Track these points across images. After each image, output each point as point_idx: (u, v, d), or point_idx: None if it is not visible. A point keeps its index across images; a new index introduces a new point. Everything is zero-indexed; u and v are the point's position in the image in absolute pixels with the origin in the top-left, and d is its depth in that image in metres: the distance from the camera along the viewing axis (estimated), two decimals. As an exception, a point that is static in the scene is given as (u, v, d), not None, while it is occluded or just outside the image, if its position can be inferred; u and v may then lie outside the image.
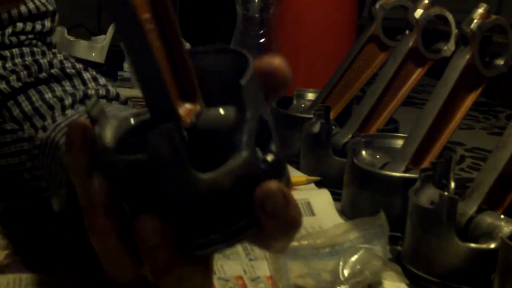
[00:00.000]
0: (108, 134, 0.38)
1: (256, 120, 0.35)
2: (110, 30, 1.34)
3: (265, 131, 0.36)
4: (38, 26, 0.67)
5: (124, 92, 0.64)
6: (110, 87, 0.61)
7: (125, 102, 0.60)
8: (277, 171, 0.36)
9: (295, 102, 0.93)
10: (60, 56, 0.65)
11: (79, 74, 0.62)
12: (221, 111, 0.37)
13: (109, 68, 1.24)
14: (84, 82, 0.61)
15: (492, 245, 0.54)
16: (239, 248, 0.60)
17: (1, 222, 0.61)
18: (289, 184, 0.38)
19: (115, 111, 0.53)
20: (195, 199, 0.35)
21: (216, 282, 0.54)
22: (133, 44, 0.35)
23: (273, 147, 0.36)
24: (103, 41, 1.32)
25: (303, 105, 0.92)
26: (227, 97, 0.37)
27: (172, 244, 0.36)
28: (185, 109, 0.37)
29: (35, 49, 0.65)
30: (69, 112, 0.56)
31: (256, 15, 1.03)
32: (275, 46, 1.04)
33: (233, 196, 0.35)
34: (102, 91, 0.59)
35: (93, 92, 0.58)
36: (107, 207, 0.37)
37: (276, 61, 0.39)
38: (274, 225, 0.36)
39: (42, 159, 0.54)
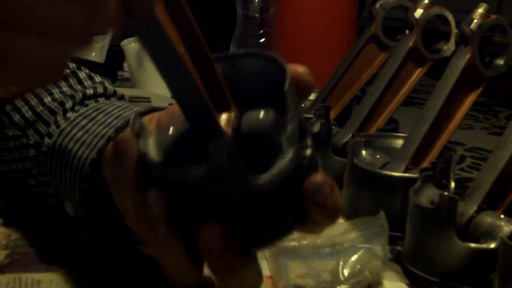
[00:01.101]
0: (152, 148, 0.40)
1: (297, 120, 0.39)
2: (110, 30, 1.34)
3: (301, 128, 0.39)
4: None
5: (124, 92, 0.64)
6: (107, 84, 0.61)
7: (122, 97, 0.61)
8: (316, 163, 0.40)
9: (295, 102, 0.92)
10: None
11: (74, 74, 0.62)
12: (261, 114, 0.40)
13: (109, 68, 1.24)
14: (80, 81, 0.61)
15: (492, 245, 0.54)
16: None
17: (1, 222, 0.61)
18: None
19: (120, 110, 0.55)
20: (252, 201, 0.38)
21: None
22: (171, 67, 0.37)
23: (308, 141, 0.39)
24: (103, 41, 1.32)
25: (303, 105, 0.92)
26: (259, 99, 0.40)
27: (234, 247, 0.39)
28: (223, 119, 0.40)
29: None
30: (70, 115, 0.56)
31: (256, 15, 1.03)
32: (275, 46, 1.04)
33: (284, 193, 0.38)
34: (100, 89, 0.59)
35: (91, 91, 0.59)
36: (170, 218, 0.39)
37: (300, 69, 0.41)
38: (322, 213, 0.39)
39: (51, 166, 0.55)
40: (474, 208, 0.57)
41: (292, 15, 1.09)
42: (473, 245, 0.55)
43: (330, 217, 0.40)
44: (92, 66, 1.22)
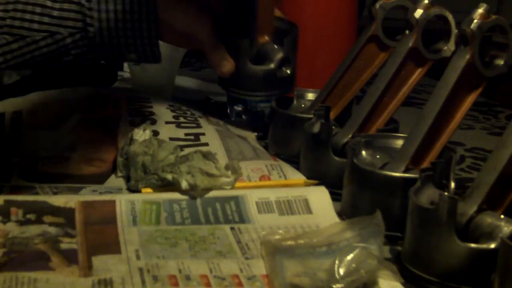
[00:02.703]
0: None
1: None
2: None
3: None
4: None
5: (124, 92, 0.64)
6: None
7: None
8: None
9: (295, 102, 0.92)
10: None
11: None
12: None
13: (109, 68, 1.24)
14: None
15: (492, 245, 0.54)
16: (235, 247, 0.60)
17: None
18: None
19: None
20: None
21: (212, 280, 0.54)
22: None
23: None
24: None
25: (303, 105, 0.92)
26: None
27: None
28: None
29: None
30: None
31: (256, 15, 1.03)
32: (275, 46, 1.04)
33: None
34: None
35: None
36: None
37: None
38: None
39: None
40: (474, 208, 0.56)
41: (292, 15, 1.09)
42: (473, 245, 0.55)
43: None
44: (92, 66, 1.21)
